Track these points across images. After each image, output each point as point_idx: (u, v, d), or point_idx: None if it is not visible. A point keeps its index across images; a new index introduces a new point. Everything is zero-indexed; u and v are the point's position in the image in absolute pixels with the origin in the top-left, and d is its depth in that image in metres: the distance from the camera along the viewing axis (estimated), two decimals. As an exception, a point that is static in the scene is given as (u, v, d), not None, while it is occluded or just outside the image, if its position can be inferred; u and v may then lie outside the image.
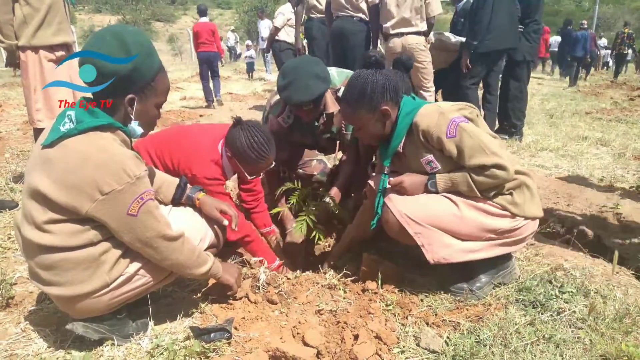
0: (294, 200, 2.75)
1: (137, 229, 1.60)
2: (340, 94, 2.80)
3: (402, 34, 5.02)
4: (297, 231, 2.57)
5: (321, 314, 2.02)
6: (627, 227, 3.04)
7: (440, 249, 2.02)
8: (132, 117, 1.65)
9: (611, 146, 5.66)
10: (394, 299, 2.09)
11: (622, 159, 4.98)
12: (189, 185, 2.03)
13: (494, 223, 2.02)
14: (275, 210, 2.88)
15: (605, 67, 25.33)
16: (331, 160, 3.59)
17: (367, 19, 5.46)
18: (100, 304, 1.69)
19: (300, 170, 3.12)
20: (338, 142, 3.06)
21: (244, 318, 1.95)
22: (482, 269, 2.18)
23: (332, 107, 2.78)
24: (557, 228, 3.22)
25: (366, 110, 2.09)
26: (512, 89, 5.74)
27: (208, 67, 9.61)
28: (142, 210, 1.59)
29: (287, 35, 8.35)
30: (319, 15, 6.59)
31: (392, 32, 5.06)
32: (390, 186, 2.14)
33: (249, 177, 2.43)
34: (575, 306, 1.98)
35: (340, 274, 2.32)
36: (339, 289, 2.21)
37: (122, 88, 1.59)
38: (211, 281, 2.28)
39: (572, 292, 2.10)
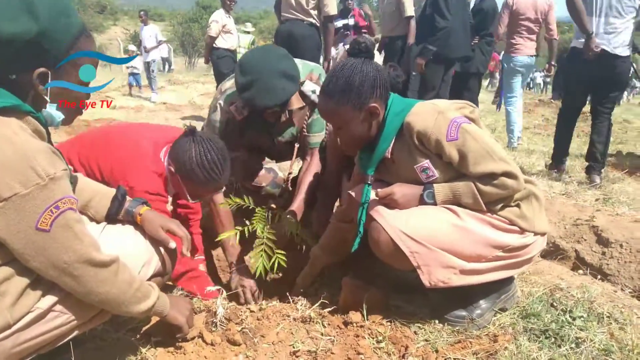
0: (257, 226, 2.17)
1: (50, 250, 1.17)
2: (303, 88, 2.42)
3: None
4: (256, 268, 2.02)
5: (297, 357, 1.61)
6: (605, 240, 2.87)
7: (439, 271, 1.69)
8: (47, 98, 1.22)
9: (559, 159, 5.67)
10: (385, 333, 1.72)
11: (575, 172, 4.95)
12: (128, 197, 1.58)
13: (502, 238, 1.72)
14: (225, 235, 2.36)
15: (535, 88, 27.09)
16: (285, 170, 3.14)
17: (317, 24, 5.19)
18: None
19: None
20: (296, 146, 2.66)
21: (199, 367, 1.52)
22: (481, 293, 1.87)
23: (296, 102, 2.38)
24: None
25: (352, 106, 1.73)
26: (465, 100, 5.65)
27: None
28: (58, 224, 1.17)
29: (225, 41, 7.97)
30: None
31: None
32: (377, 198, 1.79)
33: (190, 200, 2.00)
34: (594, 335, 1.70)
35: (316, 304, 1.91)
36: (316, 322, 1.81)
37: (27, 59, 1.17)
38: (155, 317, 1.82)
39: (583, 317, 1.83)
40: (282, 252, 2.05)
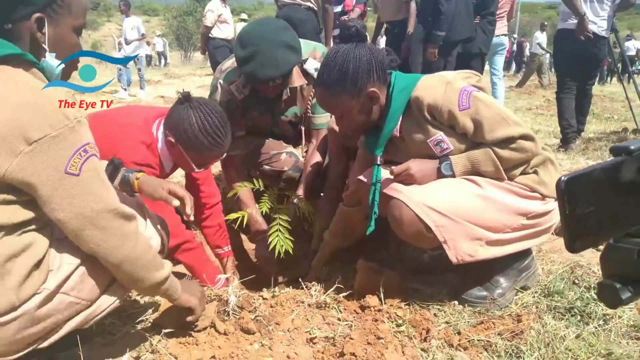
0: (264, 207, 2.16)
1: (78, 196, 1.13)
2: (306, 65, 2.34)
3: None
4: (275, 248, 2.02)
5: (315, 343, 1.55)
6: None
7: (465, 244, 1.62)
8: (46, 46, 1.18)
9: (564, 138, 5.61)
10: (405, 316, 1.66)
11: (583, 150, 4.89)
12: (124, 167, 1.53)
13: (525, 205, 1.66)
14: (234, 216, 2.33)
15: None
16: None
17: (315, 8, 5.08)
18: (1, 340, 1.13)
19: (267, 167, 2.59)
20: (302, 128, 2.58)
21: (213, 357, 1.46)
22: (499, 271, 1.80)
23: (298, 80, 2.30)
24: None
25: (349, 94, 1.67)
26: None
27: None
28: (87, 168, 1.13)
29: (221, 31, 7.82)
30: None
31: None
32: (390, 177, 1.72)
33: (196, 169, 1.93)
34: (622, 311, 1.64)
35: (331, 289, 1.85)
36: (332, 307, 1.75)
37: (21, 3, 1.13)
38: (163, 306, 1.75)
39: (608, 293, 1.77)
40: (290, 237, 2.02)
